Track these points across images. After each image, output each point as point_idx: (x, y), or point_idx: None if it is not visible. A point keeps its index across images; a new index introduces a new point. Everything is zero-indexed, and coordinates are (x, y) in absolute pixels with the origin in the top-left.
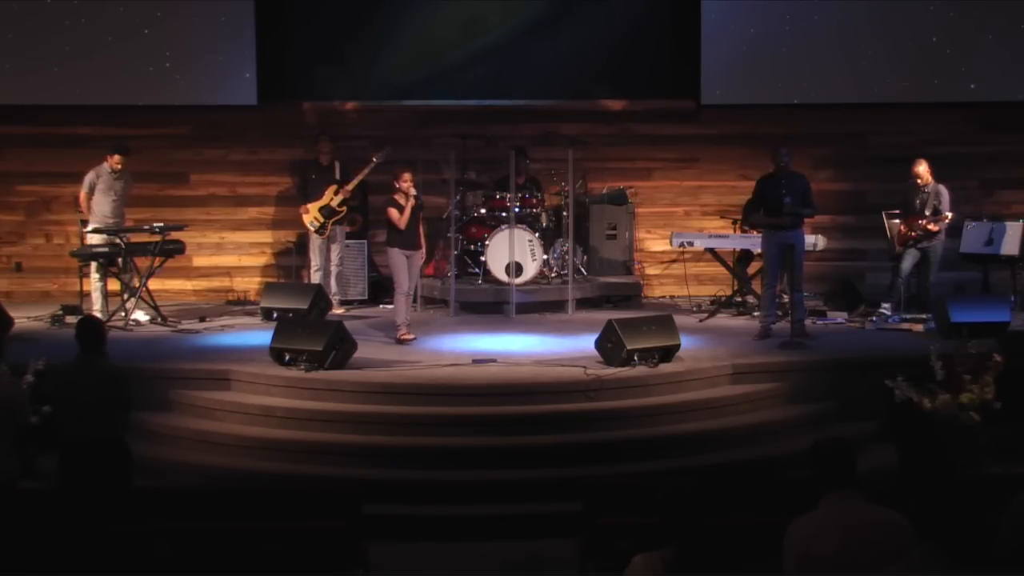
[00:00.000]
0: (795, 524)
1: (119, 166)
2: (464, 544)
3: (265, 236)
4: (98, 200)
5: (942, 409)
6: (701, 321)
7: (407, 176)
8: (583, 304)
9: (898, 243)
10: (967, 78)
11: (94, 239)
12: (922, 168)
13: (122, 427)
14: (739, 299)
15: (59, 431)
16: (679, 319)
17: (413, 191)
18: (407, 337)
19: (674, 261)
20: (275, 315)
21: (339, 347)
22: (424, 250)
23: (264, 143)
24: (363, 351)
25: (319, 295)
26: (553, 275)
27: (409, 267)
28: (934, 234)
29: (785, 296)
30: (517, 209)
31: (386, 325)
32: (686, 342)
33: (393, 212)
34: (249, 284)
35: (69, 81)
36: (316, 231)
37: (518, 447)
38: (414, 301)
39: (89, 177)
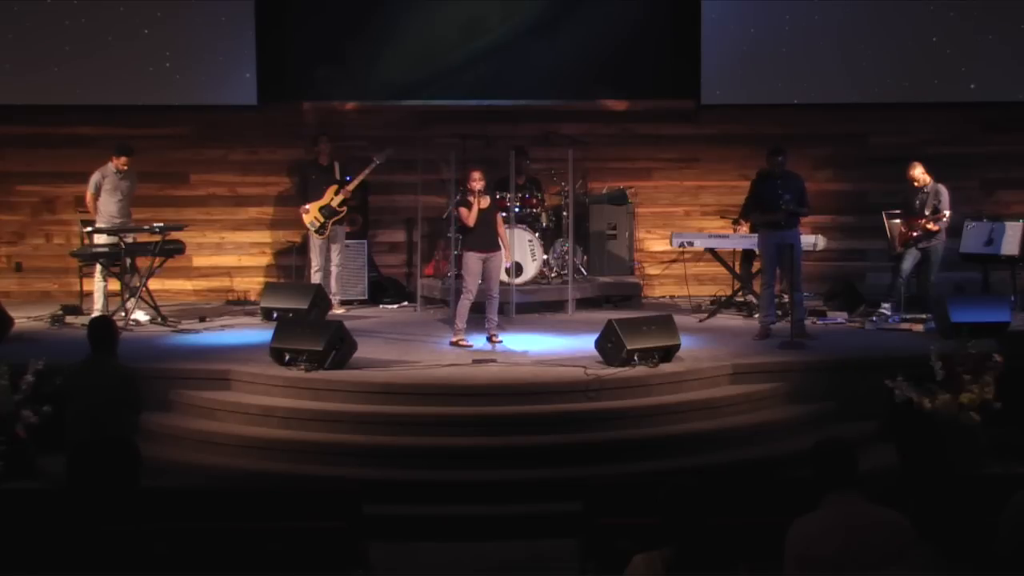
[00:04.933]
0: (796, 524)
1: (125, 167)
2: (464, 544)
3: (265, 236)
4: (104, 200)
5: (942, 409)
6: (701, 321)
7: (476, 175)
8: (583, 304)
9: (899, 243)
10: (967, 78)
11: (99, 239)
12: (917, 172)
13: (131, 428)
14: (742, 299)
15: (67, 431)
16: (679, 319)
17: (481, 189)
18: (464, 344)
19: (674, 261)
20: (275, 315)
21: (339, 347)
22: (504, 251)
23: (264, 143)
24: (363, 351)
25: (319, 295)
26: (553, 275)
27: (485, 270)
28: (934, 234)
29: (785, 296)
30: (517, 209)
31: (386, 325)
32: (686, 342)
33: (462, 211)
34: (249, 284)
35: (69, 81)
36: (316, 231)
37: (518, 447)
38: (500, 307)
39: (94, 178)
